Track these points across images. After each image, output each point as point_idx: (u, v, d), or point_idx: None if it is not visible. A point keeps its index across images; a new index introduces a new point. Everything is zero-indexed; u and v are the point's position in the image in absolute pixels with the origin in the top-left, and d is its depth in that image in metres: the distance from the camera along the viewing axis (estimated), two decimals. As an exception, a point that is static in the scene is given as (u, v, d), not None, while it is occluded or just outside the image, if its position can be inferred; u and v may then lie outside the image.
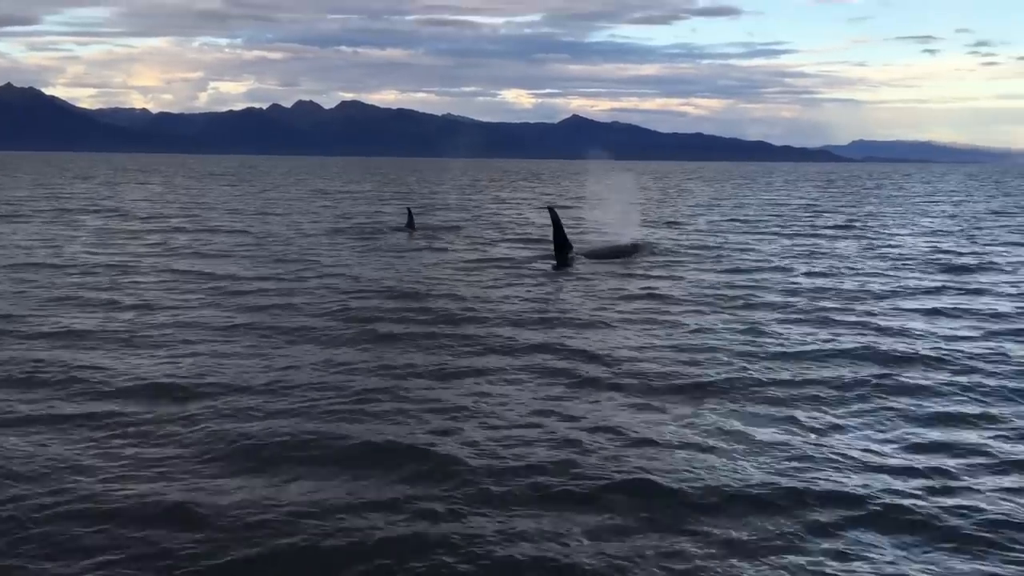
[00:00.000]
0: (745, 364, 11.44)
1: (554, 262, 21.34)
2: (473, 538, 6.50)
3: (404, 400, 9.76)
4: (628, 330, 13.66)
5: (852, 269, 20.89)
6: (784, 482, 7.54)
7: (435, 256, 23.05)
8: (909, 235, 31.01)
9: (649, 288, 17.47)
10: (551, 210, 22.58)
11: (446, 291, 17.06)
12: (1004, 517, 6.96)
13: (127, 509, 6.88)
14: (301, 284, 17.80)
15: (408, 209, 31.31)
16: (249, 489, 7.30)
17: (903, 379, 10.82)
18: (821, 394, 10.19)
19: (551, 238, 22.00)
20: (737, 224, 35.21)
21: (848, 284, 18.46)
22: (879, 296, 17.03)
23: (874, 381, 10.73)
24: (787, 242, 27.69)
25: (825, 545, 6.51)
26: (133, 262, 20.92)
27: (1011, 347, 12.63)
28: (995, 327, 14.12)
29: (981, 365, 11.57)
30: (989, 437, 8.85)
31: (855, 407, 9.75)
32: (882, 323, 14.29)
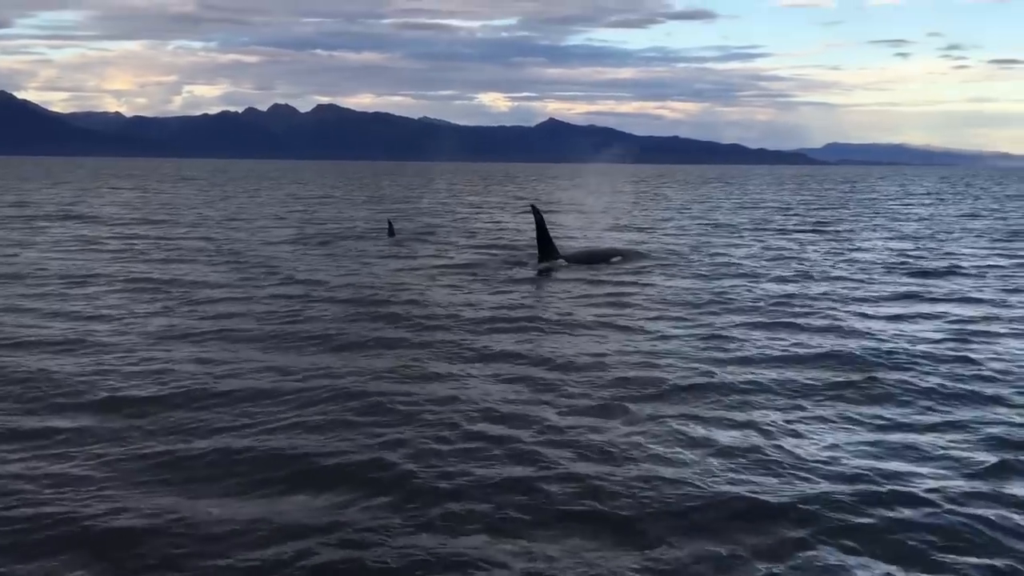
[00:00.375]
0: (710, 369, 11.30)
1: (539, 264, 21.11)
2: (421, 562, 6.25)
3: (355, 410, 9.49)
4: (595, 335, 13.50)
5: (823, 273, 20.82)
6: (747, 490, 7.39)
7: (406, 262, 22.76)
8: (879, 239, 31.08)
9: (621, 294, 17.32)
10: (534, 208, 22.34)
11: (413, 296, 16.83)
12: (964, 523, 6.85)
13: (66, 526, 6.61)
14: (263, 291, 17.47)
15: (389, 221, 30.89)
16: (188, 507, 7.03)
17: (868, 384, 10.72)
18: (786, 399, 10.07)
19: (532, 238, 21.74)
20: (711, 228, 35.21)
21: (816, 288, 18.39)
22: (846, 300, 16.96)
23: (839, 385, 10.65)
24: (759, 246, 27.66)
25: (795, 554, 6.38)
26: (89, 269, 20.47)
27: (977, 350, 12.57)
28: (959, 330, 14.05)
29: (945, 369, 11.49)
30: (951, 442, 8.73)
31: (818, 412, 9.62)
32: (847, 327, 14.22)
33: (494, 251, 25.20)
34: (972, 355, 12.23)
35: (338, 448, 8.33)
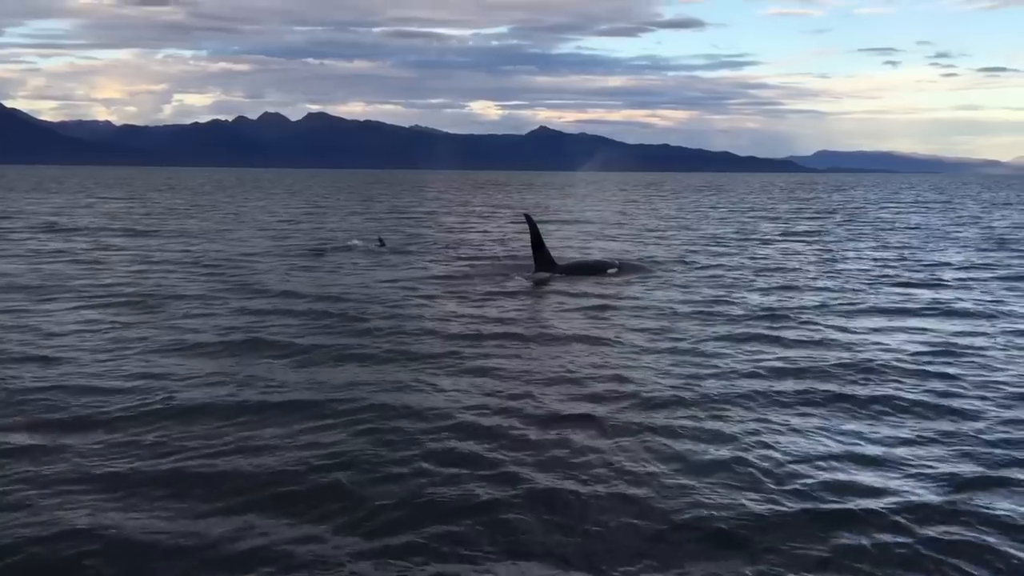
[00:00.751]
0: (688, 382, 11.21)
1: (534, 274, 21.04)
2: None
3: (319, 427, 9.32)
4: (575, 348, 13.40)
5: (807, 285, 20.72)
6: (720, 505, 7.28)
7: (391, 272, 22.59)
8: (866, 248, 31.07)
9: (606, 306, 17.20)
10: (528, 218, 22.28)
11: (394, 309, 16.66)
12: (932, 539, 6.77)
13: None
14: (235, 304, 17.27)
15: (380, 238, 30.64)
16: (134, 526, 6.85)
17: (845, 398, 10.66)
18: (765, 412, 9.96)
19: (523, 248, 21.62)
20: (700, 238, 35.17)
21: (799, 300, 18.33)
22: (829, 312, 16.89)
23: (817, 398, 10.60)
24: (745, 256, 27.61)
25: (770, 570, 6.31)
26: (56, 281, 20.24)
27: (956, 364, 12.51)
28: (939, 344, 13.99)
29: (922, 383, 11.41)
30: (926, 456, 8.64)
31: (795, 423, 9.53)
32: (828, 339, 14.16)
33: (484, 261, 25.05)
34: (950, 370, 12.15)
35: (297, 466, 8.15)
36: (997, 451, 8.86)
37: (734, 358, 12.75)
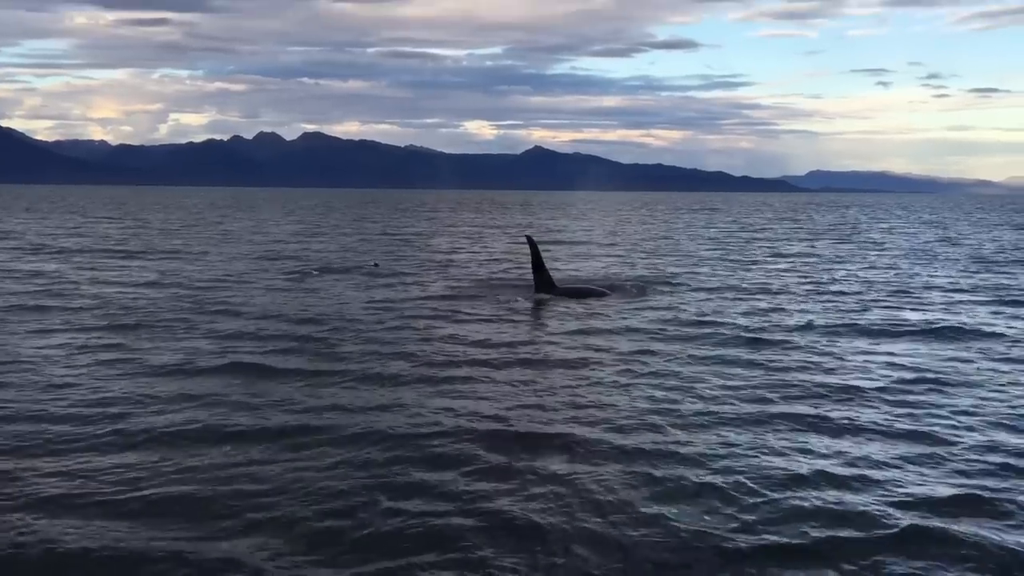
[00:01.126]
0: (666, 406, 11.18)
1: (535, 295, 21.29)
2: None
3: (282, 447, 9.28)
4: (556, 371, 13.41)
5: (794, 308, 20.65)
6: (695, 528, 7.27)
7: (384, 292, 22.55)
8: (858, 269, 31.12)
9: (593, 329, 17.18)
10: (530, 240, 22.54)
11: (371, 331, 16.63)
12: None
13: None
14: (210, 325, 17.22)
15: (375, 262, 30.61)
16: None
17: (823, 419, 10.65)
18: (740, 434, 9.93)
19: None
20: (690, 259, 35.23)
21: (787, 321, 18.37)
22: (818, 334, 16.90)
23: (798, 419, 10.60)
24: (736, 277, 27.62)
25: None
26: (21, 299, 20.20)
27: (938, 388, 12.51)
28: (923, 367, 13.99)
29: (900, 406, 11.41)
30: (909, 478, 8.62)
31: (773, 444, 9.49)
32: (812, 361, 14.18)
33: (472, 282, 25.02)
34: (927, 397, 12.13)
35: (267, 496, 8.10)
36: (969, 478, 8.86)
37: (712, 382, 12.74)
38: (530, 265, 22.25)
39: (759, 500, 8.08)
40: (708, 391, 12.12)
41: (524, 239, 23.72)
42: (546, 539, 7.25)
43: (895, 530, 7.48)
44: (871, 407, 11.43)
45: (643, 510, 7.85)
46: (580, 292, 21.94)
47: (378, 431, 10.03)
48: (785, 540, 7.27)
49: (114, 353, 14.38)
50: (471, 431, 10.10)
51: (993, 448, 9.73)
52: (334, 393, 11.88)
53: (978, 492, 8.37)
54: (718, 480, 8.56)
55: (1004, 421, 10.80)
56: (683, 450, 9.52)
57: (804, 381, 12.76)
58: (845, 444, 9.87)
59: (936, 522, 7.65)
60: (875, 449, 9.71)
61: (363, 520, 7.55)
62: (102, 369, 13.21)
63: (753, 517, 7.70)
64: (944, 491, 8.42)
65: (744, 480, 8.59)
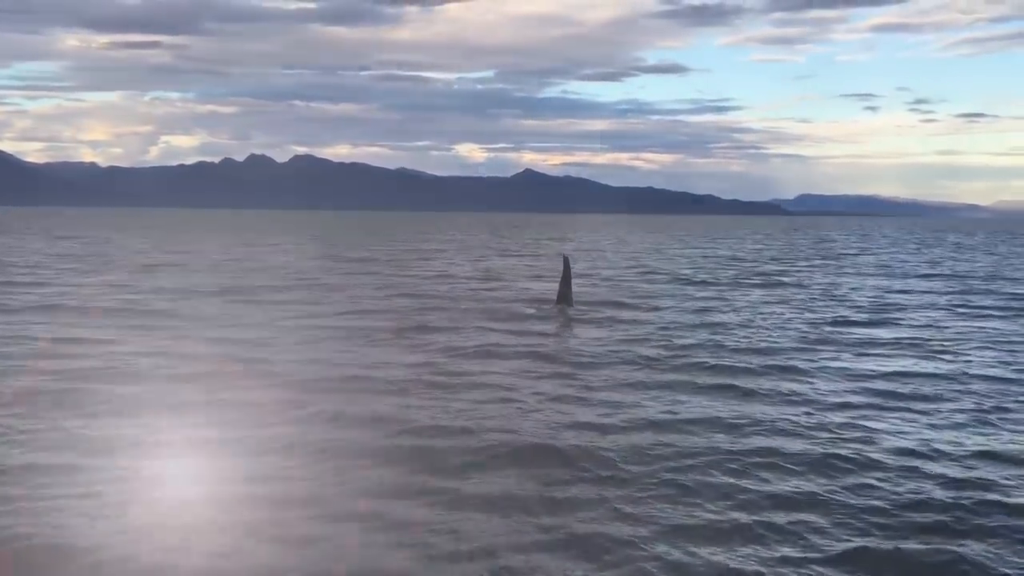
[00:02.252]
0: (606, 434, 10.82)
1: (555, 306, 23.41)
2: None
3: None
4: (483, 393, 13.00)
5: (764, 336, 19.99)
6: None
7: (360, 320, 22.09)
8: (835, 298, 30.84)
9: (537, 351, 16.93)
10: (565, 259, 24.98)
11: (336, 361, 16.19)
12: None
13: None
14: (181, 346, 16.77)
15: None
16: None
17: (770, 452, 10.26)
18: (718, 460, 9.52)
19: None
20: (670, 280, 34.95)
21: (747, 344, 18.05)
22: (782, 366, 16.53)
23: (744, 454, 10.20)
24: (721, 296, 27.31)
25: None
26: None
27: (893, 426, 12.14)
28: (876, 404, 13.66)
29: (846, 443, 11.05)
30: (872, 508, 8.23)
31: (709, 480, 9.08)
32: (764, 388, 13.85)
33: (479, 304, 24.73)
34: (874, 424, 11.84)
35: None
36: (907, 514, 8.48)
37: (650, 407, 12.38)
38: (560, 280, 24.51)
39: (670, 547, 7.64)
40: (640, 417, 11.72)
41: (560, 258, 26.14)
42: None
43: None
44: (816, 439, 11.01)
45: (541, 540, 7.41)
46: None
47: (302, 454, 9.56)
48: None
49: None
50: (379, 456, 9.65)
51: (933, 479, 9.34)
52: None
53: (913, 531, 8.00)
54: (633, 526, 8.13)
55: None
56: (605, 488, 9.12)
57: (765, 414, 12.32)
58: (778, 479, 9.46)
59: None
60: (804, 481, 9.33)
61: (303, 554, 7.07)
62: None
63: (709, 548, 7.27)
64: (884, 527, 8.05)
65: (656, 520, 8.16)
